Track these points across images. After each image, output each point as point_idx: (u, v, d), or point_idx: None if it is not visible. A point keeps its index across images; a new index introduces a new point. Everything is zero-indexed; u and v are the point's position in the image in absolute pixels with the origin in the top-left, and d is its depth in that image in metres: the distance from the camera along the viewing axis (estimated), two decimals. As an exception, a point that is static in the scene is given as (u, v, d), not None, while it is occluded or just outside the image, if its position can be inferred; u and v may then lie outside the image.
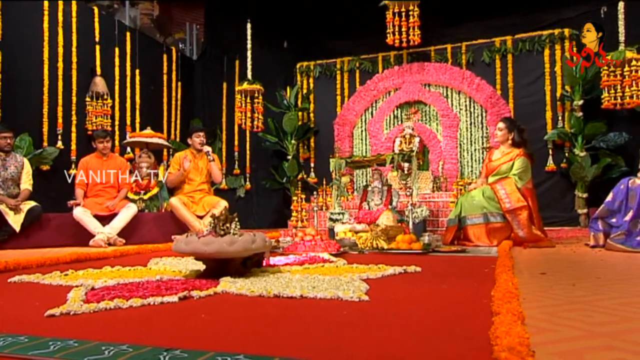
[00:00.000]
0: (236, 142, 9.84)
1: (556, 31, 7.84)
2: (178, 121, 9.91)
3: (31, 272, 2.77)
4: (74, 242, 4.93)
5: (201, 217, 5.31)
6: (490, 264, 2.82)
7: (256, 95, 7.77)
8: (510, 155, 4.70)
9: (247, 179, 9.76)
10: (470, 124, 7.68)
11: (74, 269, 2.77)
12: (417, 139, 7.00)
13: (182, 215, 5.18)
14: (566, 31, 7.76)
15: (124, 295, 1.88)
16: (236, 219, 2.54)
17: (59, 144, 7.17)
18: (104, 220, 5.09)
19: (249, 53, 7.98)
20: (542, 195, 7.76)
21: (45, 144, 6.99)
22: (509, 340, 1.01)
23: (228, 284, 2.13)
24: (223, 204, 5.45)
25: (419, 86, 7.73)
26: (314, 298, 1.85)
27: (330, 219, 5.07)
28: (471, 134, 7.62)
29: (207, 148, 5.56)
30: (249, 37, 8.01)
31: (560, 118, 7.65)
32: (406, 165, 6.83)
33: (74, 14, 7.54)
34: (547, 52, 7.87)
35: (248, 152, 9.81)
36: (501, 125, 4.84)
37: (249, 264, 2.65)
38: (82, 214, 4.94)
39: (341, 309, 1.67)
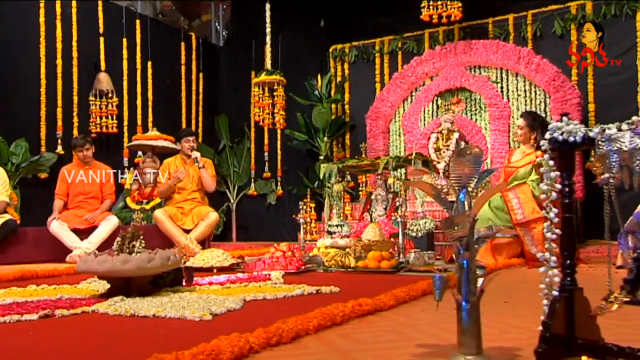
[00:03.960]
0: (266, 142, 10.41)
1: (654, -13, 7.66)
2: (200, 119, 10.69)
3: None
4: (53, 258, 5.69)
5: (189, 231, 5.89)
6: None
7: (275, 87, 8.27)
8: (530, 158, 4.83)
9: (279, 184, 10.31)
10: (532, 113, 7.69)
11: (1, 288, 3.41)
12: (456, 135, 7.18)
13: (167, 230, 5.79)
14: (668, -14, 7.55)
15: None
16: (141, 237, 3.03)
17: (59, 149, 8.11)
18: (85, 233, 5.81)
19: (268, 39, 8.51)
20: (632, 202, 7.59)
21: (43, 149, 7.96)
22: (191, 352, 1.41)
23: (106, 304, 2.63)
24: (213, 216, 6.00)
25: (463, 70, 7.87)
26: (163, 317, 2.31)
27: (328, 232, 5.45)
28: (533, 126, 7.64)
29: (196, 154, 6.13)
30: (268, 20, 8.55)
31: (659, 101, 7.48)
32: (441, 167, 7.06)
33: (74, 4, 8.47)
34: (640, 16, 7.71)
35: (279, 152, 10.34)
36: (521, 122, 4.96)
37: (161, 283, 3.15)
38: (59, 229, 5.70)
39: (166, 327, 2.12)
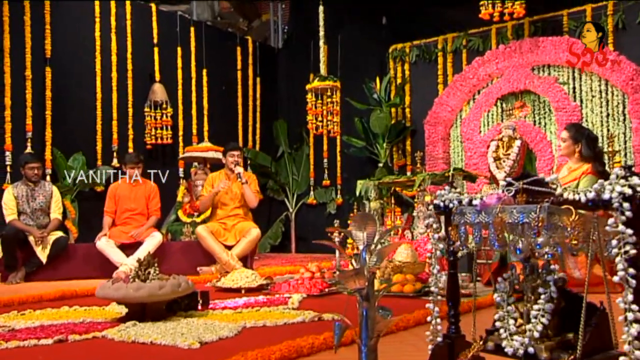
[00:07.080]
0: (325, 147, 10.81)
1: None
2: (258, 125, 11.25)
3: (10, 309, 4.06)
4: (101, 274, 6.32)
5: (231, 247, 6.38)
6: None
7: (328, 93, 8.66)
8: (576, 174, 4.93)
9: (339, 192, 10.68)
10: (607, 115, 7.64)
11: (33, 309, 4.00)
12: (517, 142, 7.26)
13: (209, 246, 6.32)
14: None
15: (19, 337, 2.97)
16: (156, 264, 3.51)
17: (115, 162, 8.86)
18: (130, 248, 6.44)
19: (321, 42, 8.92)
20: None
21: (99, 162, 8.74)
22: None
23: (115, 329, 3.12)
24: (255, 232, 6.47)
25: (527, 71, 7.93)
26: (158, 344, 2.76)
27: (368, 251, 5.79)
28: (608, 130, 7.59)
29: (239, 169, 6.60)
30: (321, 22, 8.94)
31: None
32: (500, 177, 7.21)
33: (128, 15, 9.21)
34: None
35: (339, 158, 10.72)
36: (564, 134, 5.05)
37: (175, 308, 3.62)
38: (105, 245, 6.35)
39: (154, 354, 2.56)
